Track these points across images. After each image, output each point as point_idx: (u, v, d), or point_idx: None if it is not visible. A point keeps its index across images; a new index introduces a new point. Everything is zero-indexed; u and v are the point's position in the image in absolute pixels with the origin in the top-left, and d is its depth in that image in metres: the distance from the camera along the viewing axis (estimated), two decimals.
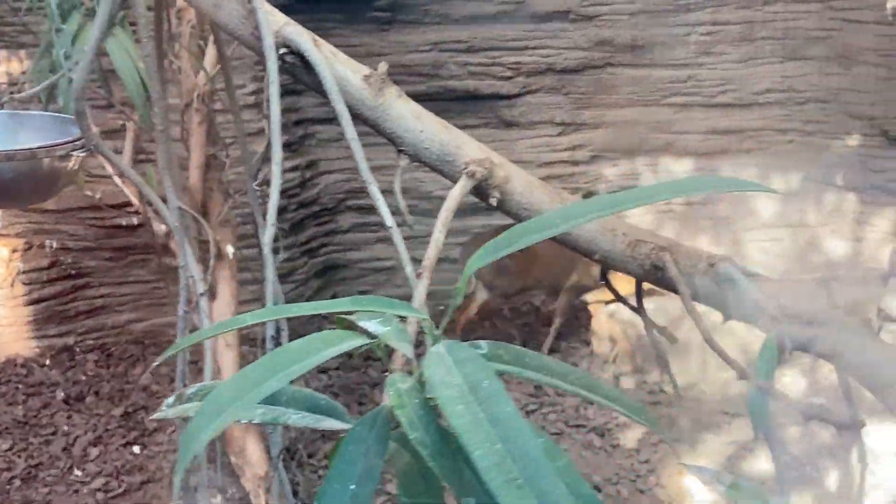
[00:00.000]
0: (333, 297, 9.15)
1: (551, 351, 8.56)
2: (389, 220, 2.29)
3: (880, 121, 9.08)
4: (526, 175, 2.45)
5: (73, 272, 8.08)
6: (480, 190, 2.36)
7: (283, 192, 8.29)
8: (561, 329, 8.81)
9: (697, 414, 7.73)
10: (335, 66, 2.33)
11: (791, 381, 7.69)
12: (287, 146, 8.73)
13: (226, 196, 6.17)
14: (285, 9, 6.92)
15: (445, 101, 9.12)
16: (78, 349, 8.13)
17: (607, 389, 1.36)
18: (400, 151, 2.38)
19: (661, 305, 8.13)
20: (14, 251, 7.72)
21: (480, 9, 8.96)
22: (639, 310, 2.70)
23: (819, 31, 9.30)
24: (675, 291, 2.34)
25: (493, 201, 2.37)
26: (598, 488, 7.02)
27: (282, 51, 2.31)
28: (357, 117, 2.34)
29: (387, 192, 2.22)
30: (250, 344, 8.50)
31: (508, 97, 9.20)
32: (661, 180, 9.61)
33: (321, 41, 2.37)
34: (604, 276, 2.63)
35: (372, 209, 8.15)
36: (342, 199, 9.29)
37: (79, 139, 2.69)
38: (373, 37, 8.94)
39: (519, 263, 8.41)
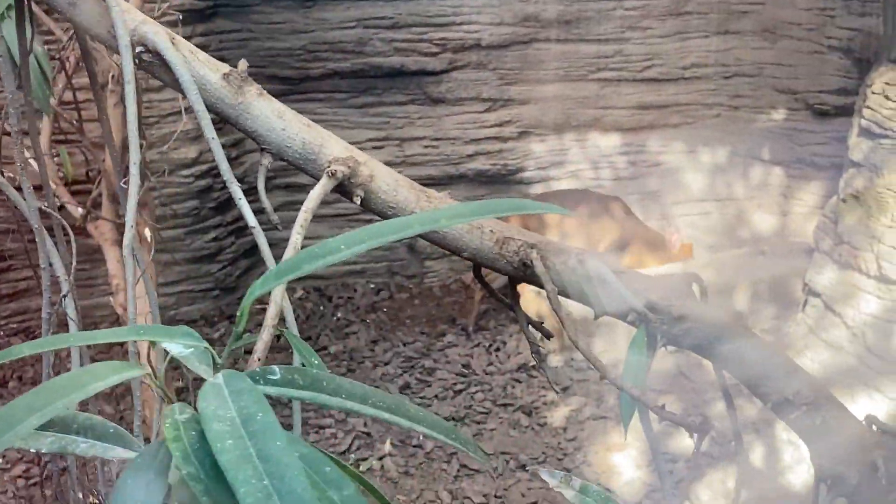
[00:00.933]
0: (262, 275, 9.09)
1: (480, 329, 8.57)
2: (252, 220, 2.26)
3: (805, 94, 9.14)
4: (392, 173, 2.42)
5: None
6: (344, 189, 2.33)
7: (208, 172, 8.27)
8: (491, 307, 8.81)
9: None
10: (194, 64, 2.28)
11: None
12: (213, 124, 8.64)
13: (143, 178, 6.09)
14: None
15: (371, 78, 9.08)
16: (1, 332, 8.04)
17: (413, 410, 1.33)
18: (262, 150, 2.34)
19: None
20: None
21: None
22: (513, 306, 2.68)
23: (745, 6, 9.34)
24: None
25: (357, 200, 2.34)
26: (524, 467, 7.03)
27: (138, 49, 2.25)
28: (218, 116, 2.30)
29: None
30: (176, 325, 8.45)
31: (435, 73, 9.14)
32: (589, 155, 9.62)
33: (180, 39, 2.32)
34: (476, 273, 2.61)
35: (302, 187, 8.12)
36: (270, 177, 9.09)
37: None
38: (296, 14, 8.85)
39: None
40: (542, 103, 9.44)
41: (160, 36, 2.27)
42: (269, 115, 2.33)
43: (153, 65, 2.31)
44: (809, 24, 8.97)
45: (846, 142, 7.54)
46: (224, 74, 2.31)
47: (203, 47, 7.25)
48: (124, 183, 2.69)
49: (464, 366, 8.03)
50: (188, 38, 6.54)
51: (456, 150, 9.23)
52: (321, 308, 8.89)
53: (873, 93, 7.20)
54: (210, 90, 2.30)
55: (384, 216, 2.42)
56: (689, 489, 6.88)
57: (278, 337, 1.73)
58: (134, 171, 2.31)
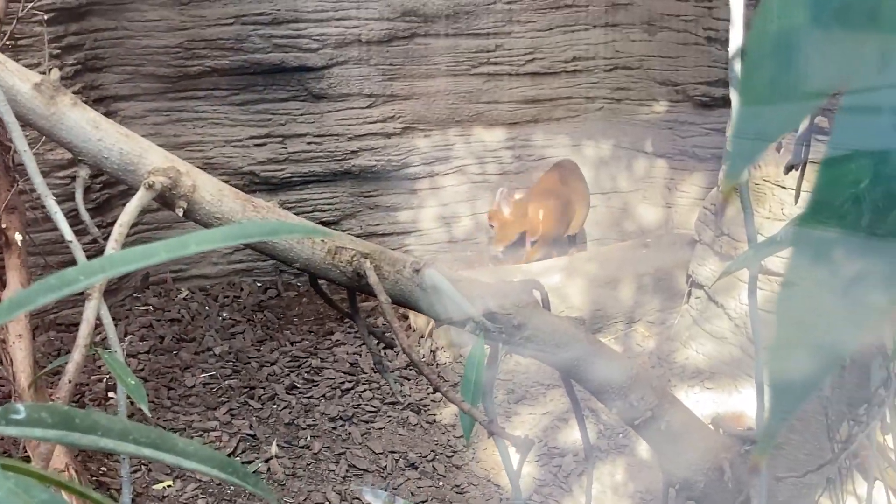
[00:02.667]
0: (146, 277, 8.98)
1: (372, 327, 8.52)
2: (69, 234, 2.18)
3: (685, 86, 9.23)
4: (216, 183, 2.36)
5: None
6: (166, 199, 2.26)
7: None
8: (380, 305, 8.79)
9: (513, 385, 7.77)
10: (2, 74, 2.20)
11: None
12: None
13: (12, 181, 5.95)
14: None
15: (251, 75, 8.96)
16: None
17: (181, 445, 1.26)
18: (79, 161, 2.26)
19: (476, 277, 8.16)
20: None
21: None
22: (353, 316, 2.64)
23: None
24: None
25: (180, 211, 2.28)
26: (414, 465, 7.00)
27: None
28: (31, 127, 2.21)
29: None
30: (56, 329, 8.28)
31: (316, 69, 9.04)
32: (474, 150, 9.63)
33: None
34: (313, 283, 2.56)
35: None
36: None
37: None
38: (172, 11, 8.68)
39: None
40: (425, 98, 9.41)
41: None
42: (85, 125, 2.25)
43: None
44: (688, 16, 9.05)
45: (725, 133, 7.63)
46: (35, 84, 2.23)
47: (77, 46, 7.17)
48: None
49: (352, 364, 7.98)
50: (61, 37, 6.44)
51: (340, 146, 9.16)
52: (206, 308, 8.78)
53: None
54: (21, 101, 2.22)
55: (209, 227, 2.37)
56: (576, 483, 6.92)
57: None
58: None
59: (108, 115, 8.05)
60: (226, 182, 7.70)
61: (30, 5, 6.47)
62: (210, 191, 2.30)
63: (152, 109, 8.97)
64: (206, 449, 1.27)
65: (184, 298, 8.90)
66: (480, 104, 9.56)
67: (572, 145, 9.71)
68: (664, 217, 9.50)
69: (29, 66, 7.30)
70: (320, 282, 2.54)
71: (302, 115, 9.16)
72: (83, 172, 2.26)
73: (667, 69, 9.34)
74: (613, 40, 9.54)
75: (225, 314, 8.76)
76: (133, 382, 1.77)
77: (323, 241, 2.35)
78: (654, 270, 8.53)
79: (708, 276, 7.79)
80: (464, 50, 9.37)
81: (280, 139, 9.13)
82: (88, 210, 2.29)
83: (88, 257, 2.22)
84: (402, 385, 7.74)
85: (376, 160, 9.29)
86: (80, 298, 6.81)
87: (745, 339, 7.39)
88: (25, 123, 2.21)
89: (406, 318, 8.51)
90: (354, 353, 8.15)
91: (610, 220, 9.74)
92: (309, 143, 9.15)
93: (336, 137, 9.18)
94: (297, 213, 8.92)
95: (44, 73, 2.22)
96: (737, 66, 2.16)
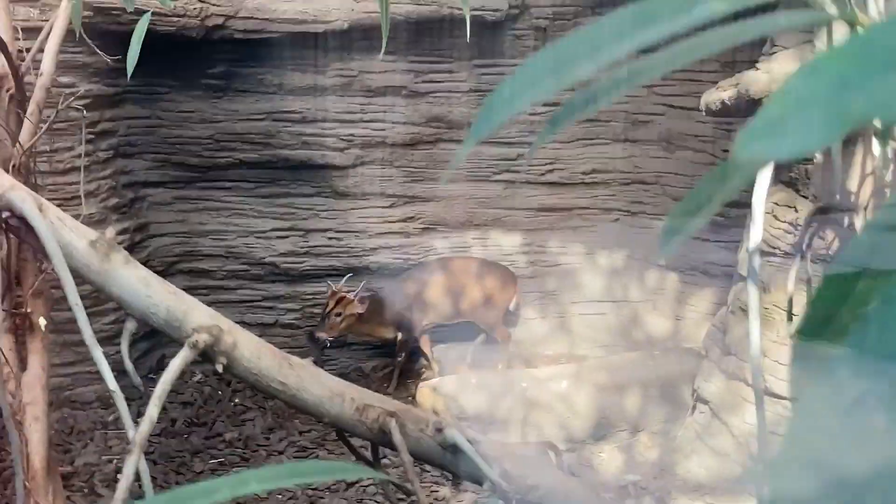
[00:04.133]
0: (161, 359, 9.11)
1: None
2: (113, 384, 2.35)
3: None
4: (255, 340, 2.53)
5: None
6: (208, 355, 2.43)
7: None
8: (390, 394, 8.95)
9: (483, 438, 7.82)
10: (61, 231, 2.38)
11: (607, 457, 7.90)
12: (117, 209, 8.70)
13: (40, 268, 6.13)
14: (120, 72, 6.92)
15: (278, 170, 9.21)
16: None
17: None
18: (127, 314, 2.43)
19: (483, 381, 8.31)
20: None
21: (315, 81, 9.07)
22: (375, 466, 2.79)
23: (646, 116, 9.62)
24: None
25: (220, 367, 2.44)
26: None
27: (5, 214, 2.34)
28: (84, 281, 2.39)
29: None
30: (71, 406, 8.42)
31: (342, 168, 9.29)
32: (490, 253, 9.80)
33: (48, 206, 2.41)
34: (339, 434, 2.71)
35: (203, 272, 8.16)
36: (173, 262, 9.28)
37: None
38: (206, 103, 8.97)
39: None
40: (445, 201, 9.63)
41: (27, 203, 2.36)
42: (135, 282, 2.42)
43: (20, 229, 2.39)
44: (706, 136, 9.23)
45: (737, 254, 7.76)
46: (91, 241, 2.40)
47: (111, 132, 7.41)
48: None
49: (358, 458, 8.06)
50: (96, 122, 6.68)
51: (359, 242, 9.36)
52: (219, 393, 8.90)
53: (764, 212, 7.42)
54: (76, 256, 2.39)
55: (247, 382, 2.53)
56: None
57: None
58: None
59: (135, 200, 8.38)
60: (245, 271, 7.91)
61: (72, 98, 6.71)
62: (249, 348, 2.47)
63: (180, 197, 9.22)
64: None
65: (197, 381, 9.03)
66: (499, 209, 9.77)
67: (586, 254, 9.87)
68: (673, 329, 9.62)
69: (63, 150, 7.56)
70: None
71: (325, 210, 9.39)
72: (130, 325, 2.43)
73: (683, 186, 9.51)
74: (632, 155, 9.74)
75: (237, 399, 8.88)
76: None
77: (352, 399, 2.51)
78: (660, 382, 8.63)
79: (713, 392, 7.87)
80: (486, 157, 9.61)
81: (302, 233, 9.35)
82: None
83: (128, 402, 2.40)
84: None
85: (394, 258, 9.48)
86: (95, 376, 6.95)
87: (746, 456, 7.46)
88: (79, 278, 2.38)
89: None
90: (361, 446, 8.23)
91: (619, 328, 9.85)
92: (330, 238, 9.36)
93: (357, 234, 9.39)
94: (312, 306, 9.20)
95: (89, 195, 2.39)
96: (756, 262, 2.32)
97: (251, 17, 8.55)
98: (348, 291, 8.76)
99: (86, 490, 7.30)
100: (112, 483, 7.47)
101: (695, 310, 9.47)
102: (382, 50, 2.90)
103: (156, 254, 9.18)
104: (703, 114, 7.70)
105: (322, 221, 9.40)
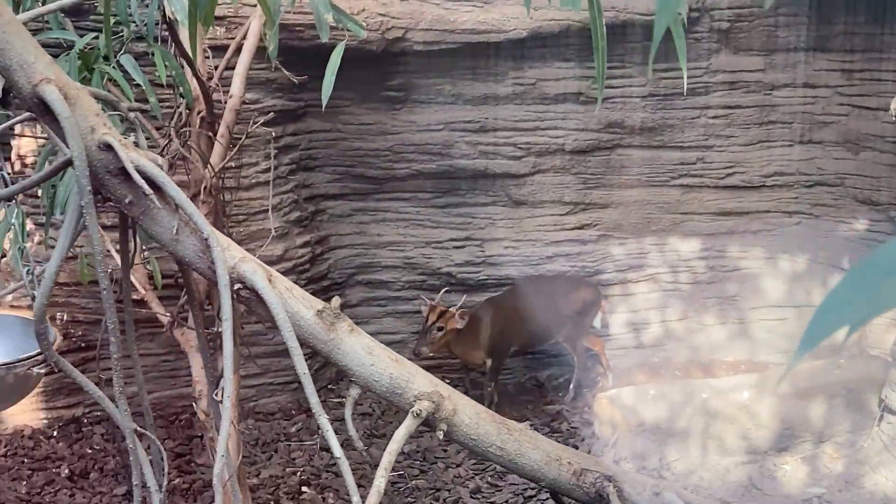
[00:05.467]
0: (339, 371, 9.22)
1: (553, 431, 8.62)
2: (338, 450, 2.39)
3: (886, 206, 9.15)
4: (474, 406, 2.54)
5: (83, 344, 8.16)
6: (428, 423, 2.45)
7: (293, 269, 8.47)
8: (565, 408, 8.93)
9: (697, 499, 7.74)
10: (288, 301, 2.42)
11: (791, 469, 7.75)
12: (298, 222, 8.86)
13: None
14: (302, 86, 7.05)
15: (455, 180, 9.25)
16: (86, 420, 8.21)
17: None
18: (351, 381, 2.46)
19: (661, 391, 8.24)
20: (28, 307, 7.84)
21: (492, 90, 9.08)
22: None
23: (827, 117, 9.41)
24: None
25: (441, 434, 2.46)
26: None
27: (237, 286, 2.40)
28: (310, 349, 2.43)
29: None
30: (255, 418, 8.62)
31: (518, 176, 9.30)
32: (668, 259, 9.69)
33: (277, 276, 2.46)
34: (555, 497, 2.71)
35: (381, 283, 8.25)
36: (352, 273, 9.40)
37: (38, 354, 2.79)
38: (385, 115, 9.05)
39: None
40: (622, 207, 9.56)
41: (258, 275, 2.40)
42: (359, 350, 2.45)
43: (250, 300, 2.44)
44: (890, 137, 9.00)
45: None
46: (318, 311, 2.44)
47: (293, 146, 7.57)
48: (216, 396, 2.82)
49: None
50: (279, 137, 6.82)
51: (536, 251, 9.35)
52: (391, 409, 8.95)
53: None
54: (304, 326, 2.43)
55: (466, 447, 2.55)
56: None
57: None
58: (227, 403, 2.43)
59: (316, 213, 8.52)
60: (423, 282, 7.97)
61: (260, 120, 6.86)
62: (469, 414, 2.48)
63: (359, 209, 9.33)
64: None
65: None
66: (677, 215, 9.65)
67: (767, 258, 9.69)
68: (858, 335, 9.37)
69: (248, 166, 7.72)
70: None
71: (501, 219, 9.40)
72: (354, 392, 2.47)
73: (868, 188, 9.28)
74: (815, 157, 9.53)
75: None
76: None
77: (569, 463, 2.51)
78: (845, 390, 8.42)
79: None
80: (664, 162, 9.51)
81: (478, 242, 9.38)
82: None
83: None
84: None
85: (570, 266, 9.45)
86: (277, 388, 7.12)
87: None
88: (305, 346, 2.42)
89: (591, 424, 8.56)
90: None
91: (801, 334, 9.64)
92: (506, 247, 9.37)
93: (533, 243, 9.38)
94: None
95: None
96: None
97: (430, 29, 8.61)
98: (448, 307, 8.61)
99: (271, 503, 7.45)
100: (296, 496, 7.60)
101: (882, 315, 9.20)
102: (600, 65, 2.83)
103: (336, 266, 9.31)
104: (893, 117, 7.52)
105: (498, 231, 9.41)
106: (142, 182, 2.25)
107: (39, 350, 2.65)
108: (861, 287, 0.93)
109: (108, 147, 2.27)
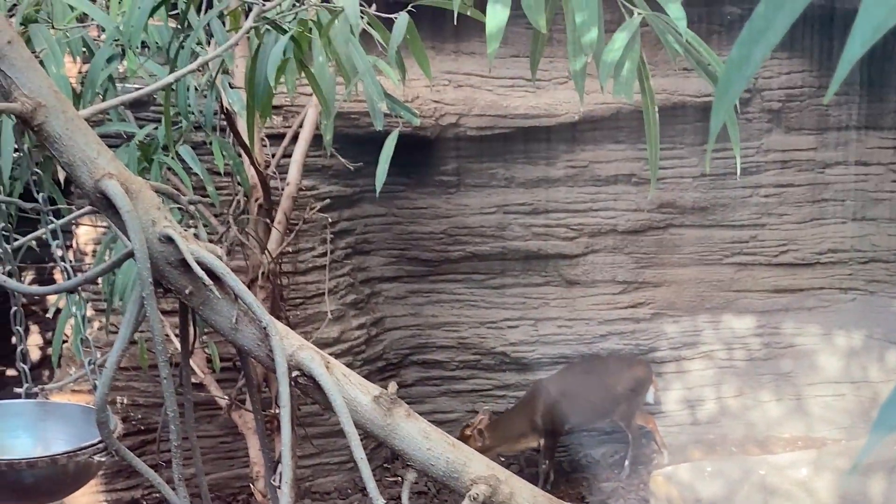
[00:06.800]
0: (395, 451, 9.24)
1: None
2: None
3: None
4: (531, 490, 2.58)
5: (143, 427, 8.26)
6: None
7: (348, 351, 8.53)
8: (620, 486, 8.90)
9: None
10: (346, 387, 2.48)
11: None
12: (354, 304, 8.95)
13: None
14: (357, 172, 7.10)
15: (509, 261, 9.33)
16: (144, 502, 8.30)
17: None
18: (407, 465, 2.51)
19: (718, 468, 8.19)
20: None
21: (545, 173, 9.20)
22: None
23: (881, 193, 9.43)
24: None
25: None
26: None
27: (295, 373, 2.46)
28: (367, 434, 2.48)
29: None
30: (311, 498, 8.65)
31: (571, 256, 9.37)
32: (722, 336, 9.68)
33: (334, 363, 2.52)
34: None
35: (436, 363, 8.29)
36: (406, 354, 9.46)
37: (100, 443, 2.84)
38: (439, 199, 9.17)
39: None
40: (676, 286, 9.59)
41: (315, 362, 2.47)
42: (416, 435, 2.49)
43: (308, 387, 2.51)
44: None
45: None
46: (375, 397, 2.49)
47: (348, 231, 7.66)
48: (274, 481, 2.88)
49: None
50: (335, 222, 6.89)
51: (589, 330, 9.38)
52: None
53: None
54: (361, 411, 2.48)
55: None
56: None
57: None
58: (285, 488, 2.49)
59: (371, 295, 8.61)
60: (477, 361, 7.99)
61: (317, 206, 6.97)
62: (526, 497, 2.52)
63: (413, 291, 9.42)
64: None
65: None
66: (731, 292, 9.67)
67: (822, 334, 9.65)
68: None
69: (304, 251, 7.82)
70: None
71: (555, 299, 9.45)
72: (410, 476, 2.51)
73: None
74: (869, 234, 9.53)
75: None
76: None
77: None
78: None
79: None
80: (717, 240, 9.55)
81: (532, 322, 9.42)
82: None
83: None
84: None
85: (624, 344, 9.46)
86: (334, 467, 7.10)
87: None
88: (362, 430, 2.47)
89: (647, 502, 8.52)
90: None
91: (860, 410, 9.57)
92: (560, 326, 9.41)
93: (586, 322, 9.42)
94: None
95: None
96: None
97: (483, 115, 8.75)
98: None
99: None
100: None
101: None
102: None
103: (391, 346, 9.38)
104: None
105: (552, 310, 9.46)
106: (202, 273, 2.33)
107: (100, 438, 2.70)
108: None
109: (169, 239, 2.35)
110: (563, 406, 8.84)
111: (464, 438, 8.34)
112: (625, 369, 9.15)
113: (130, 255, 2.36)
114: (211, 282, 2.35)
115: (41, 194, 3.31)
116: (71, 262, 8.22)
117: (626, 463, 9.13)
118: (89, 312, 7.40)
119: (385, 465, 9.02)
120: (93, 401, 2.66)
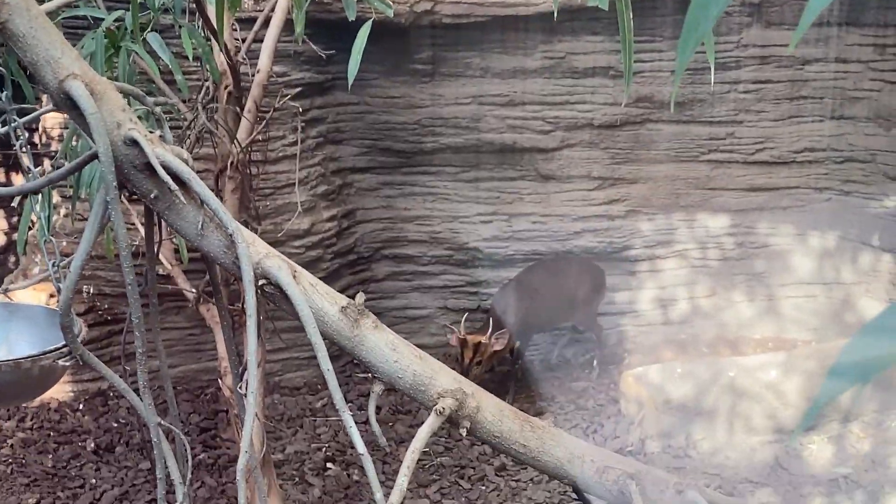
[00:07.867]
0: (362, 363, 9.21)
1: (579, 409, 8.59)
2: (361, 447, 2.37)
3: None
4: (497, 403, 2.53)
5: (109, 318, 8.17)
6: (452, 420, 2.44)
7: (319, 243, 8.45)
8: (591, 386, 8.89)
9: (721, 481, 7.72)
10: (313, 297, 2.41)
11: (817, 448, 7.71)
12: (325, 196, 8.83)
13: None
14: (330, 59, 6.98)
15: (483, 154, 9.21)
16: (111, 394, 8.22)
17: None
18: (374, 378, 2.45)
19: (688, 369, 8.19)
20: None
21: (521, 64, 9.02)
22: None
23: (859, 92, 9.30)
24: None
25: (464, 431, 2.45)
26: None
27: (261, 282, 2.39)
28: (334, 345, 2.42)
29: None
30: (280, 392, 8.62)
31: (546, 150, 9.24)
32: (696, 235, 9.63)
33: (301, 272, 2.45)
34: (577, 491, 2.69)
35: (408, 258, 8.22)
36: (378, 247, 9.36)
37: (64, 346, 2.78)
38: (413, 88, 9.01)
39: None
40: (651, 183, 9.50)
41: (283, 271, 2.39)
42: (383, 347, 2.44)
43: (275, 296, 2.43)
44: None
45: None
46: (342, 308, 2.43)
47: (320, 120, 7.52)
48: (241, 388, 2.80)
49: None
50: (306, 110, 6.74)
51: (563, 226, 9.30)
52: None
53: None
54: (328, 322, 2.42)
55: (489, 444, 2.54)
56: None
57: None
58: (251, 398, 2.42)
59: (343, 186, 8.49)
60: (449, 257, 7.93)
61: (288, 95, 6.82)
62: (491, 411, 2.47)
63: (386, 182, 9.30)
64: None
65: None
66: (706, 190, 9.58)
67: (796, 234, 9.61)
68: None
69: (275, 139, 7.68)
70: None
71: (529, 194, 9.35)
72: (377, 388, 2.45)
73: None
74: (846, 133, 9.42)
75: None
76: None
77: (592, 461, 2.49)
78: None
79: None
80: (694, 137, 9.43)
81: (506, 217, 9.34)
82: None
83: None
84: None
85: (598, 241, 9.40)
86: (303, 362, 7.10)
87: None
88: (329, 341, 2.41)
89: (617, 402, 8.52)
90: None
91: (830, 312, 9.59)
92: (534, 223, 9.32)
93: (560, 218, 9.33)
94: None
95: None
96: None
97: (459, 2, 8.56)
98: (469, 333, 8.40)
99: (296, 479, 7.42)
100: (321, 472, 7.59)
101: None
102: None
103: (362, 240, 9.28)
104: None
105: (526, 206, 9.37)
106: (167, 178, 2.24)
107: (65, 342, 2.64)
108: (865, 351, 0.94)
109: (134, 142, 2.26)
110: (518, 317, 8.73)
111: (477, 349, 8.32)
112: (579, 272, 9.11)
113: (95, 156, 2.28)
114: (177, 186, 2.27)
115: (4, 92, 3.23)
116: (36, 143, 8.06)
117: (595, 363, 9.12)
118: (56, 199, 7.27)
119: (355, 361, 8.96)
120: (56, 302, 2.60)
